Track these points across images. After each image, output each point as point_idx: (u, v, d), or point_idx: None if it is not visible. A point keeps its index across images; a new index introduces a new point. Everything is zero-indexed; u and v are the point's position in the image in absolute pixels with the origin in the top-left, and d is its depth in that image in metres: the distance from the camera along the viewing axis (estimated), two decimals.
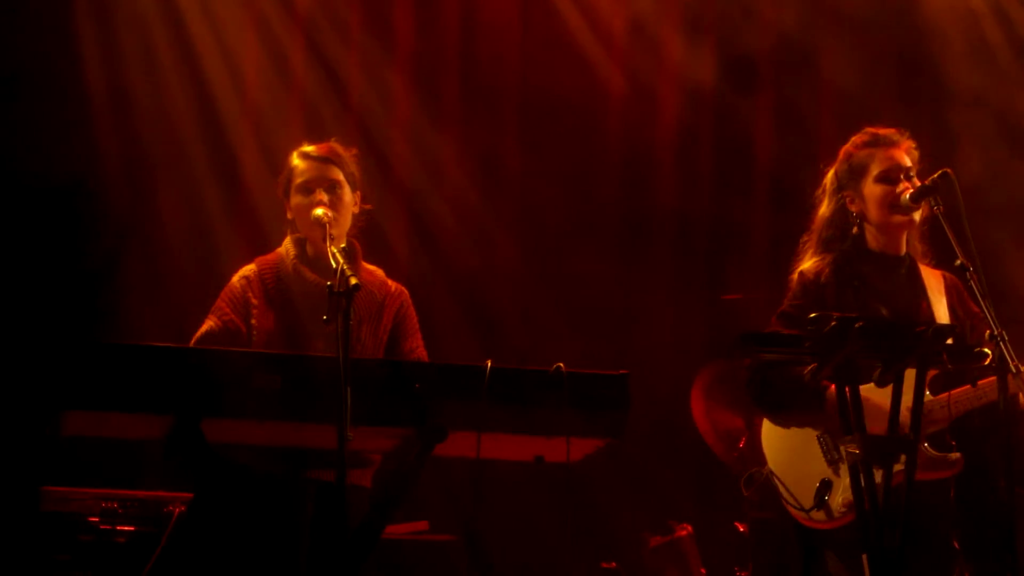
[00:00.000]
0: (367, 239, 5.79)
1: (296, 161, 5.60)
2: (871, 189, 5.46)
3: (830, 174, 5.61)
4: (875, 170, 5.46)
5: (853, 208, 5.51)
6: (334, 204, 5.43)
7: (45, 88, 7.71)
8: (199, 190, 8.04)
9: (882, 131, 5.54)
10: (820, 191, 5.63)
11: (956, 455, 5.17)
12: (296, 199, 5.53)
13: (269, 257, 5.61)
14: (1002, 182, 7.88)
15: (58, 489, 5.98)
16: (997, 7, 8.67)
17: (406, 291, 5.70)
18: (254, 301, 5.45)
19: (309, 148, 5.63)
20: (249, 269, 5.56)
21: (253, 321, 5.41)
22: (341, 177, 5.54)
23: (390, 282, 5.67)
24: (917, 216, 5.43)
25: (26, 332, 6.80)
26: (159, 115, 8.05)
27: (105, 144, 7.91)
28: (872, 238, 5.51)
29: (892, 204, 5.40)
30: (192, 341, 5.35)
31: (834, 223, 5.55)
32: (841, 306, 5.18)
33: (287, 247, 5.59)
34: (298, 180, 5.54)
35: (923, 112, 8.31)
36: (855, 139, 5.57)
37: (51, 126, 7.65)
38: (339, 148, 5.64)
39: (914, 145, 5.53)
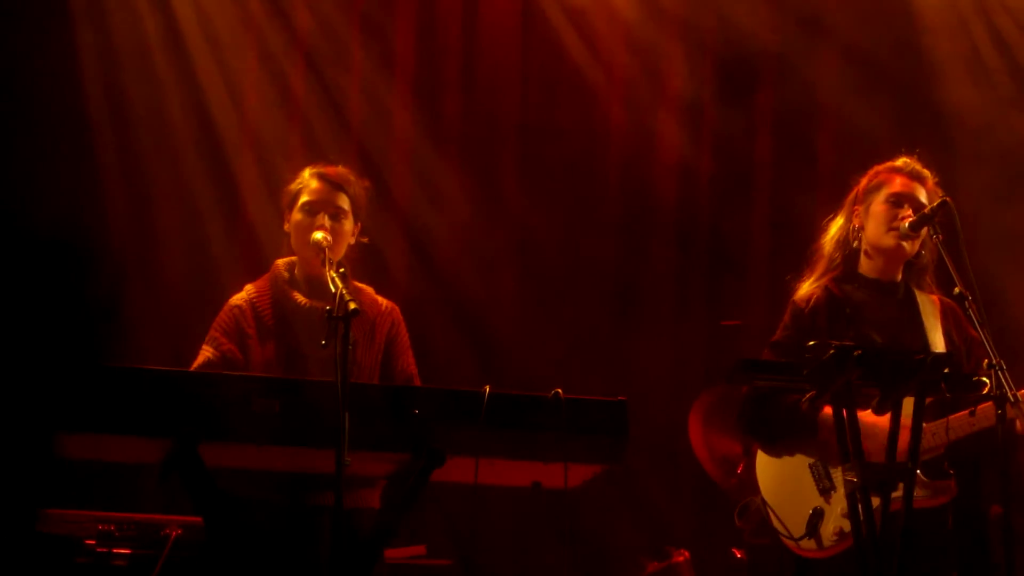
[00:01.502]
0: (365, 261, 5.78)
1: (308, 178, 5.57)
2: (877, 207, 5.50)
3: (854, 190, 5.64)
4: (888, 190, 5.49)
5: (856, 222, 5.54)
6: (334, 231, 5.40)
7: (45, 110, 7.71)
8: (198, 211, 8.03)
9: (916, 164, 5.57)
10: (840, 205, 5.66)
11: (950, 482, 5.17)
12: (298, 216, 5.50)
13: (260, 282, 5.58)
14: (1001, 208, 7.89)
15: (55, 511, 5.97)
16: (994, 31, 8.68)
17: (396, 308, 5.66)
18: (249, 331, 5.42)
19: (324, 169, 5.60)
20: (240, 298, 5.52)
21: (250, 353, 5.39)
22: (347, 206, 5.52)
23: (380, 299, 5.63)
24: (909, 247, 5.45)
25: (26, 354, 6.80)
26: (159, 136, 8.04)
27: (105, 167, 7.91)
28: (867, 263, 5.53)
29: (890, 226, 5.43)
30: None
31: (840, 237, 5.59)
32: (832, 334, 5.19)
33: (279, 271, 5.57)
34: (305, 198, 5.51)
35: (922, 137, 8.30)
36: (888, 162, 5.60)
37: (51, 150, 7.65)
38: (352, 177, 5.61)
39: (940, 192, 5.53)
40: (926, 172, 5.57)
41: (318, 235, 5.29)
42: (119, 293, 7.73)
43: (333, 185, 5.53)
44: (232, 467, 4.68)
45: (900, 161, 5.60)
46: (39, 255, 7.53)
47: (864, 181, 5.62)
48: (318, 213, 5.44)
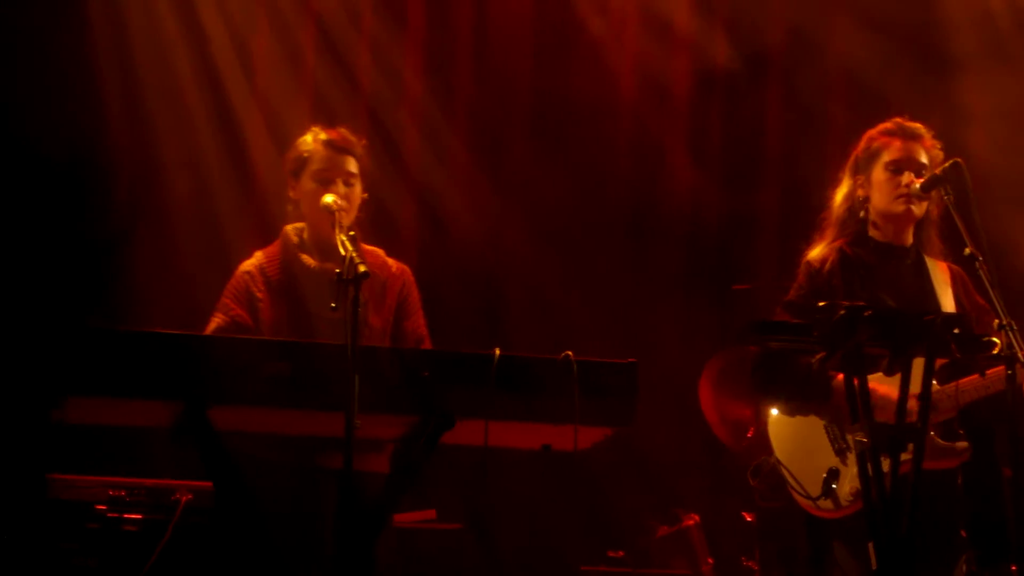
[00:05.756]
0: (376, 225, 5.77)
1: (314, 146, 5.53)
2: (878, 175, 5.48)
3: (852, 155, 5.61)
4: (886, 157, 5.47)
5: (861, 193, 5.53)
6: (348, 197, 5.41)
7: (53, 64, 7.70)
8: (207, 172, 8.03)
9: (908, 123, 5.53)
10: (842, 171, 5.64)
11: (964, 444, 5.17)
12: (310, 186, 5.47)
13: (270, 248, 5.57)
14: (1014, 166, 7.85)
15: (65, 477, 5.97)
16: None
17: (407, 269, 5.66)
18: (259, 295, 5.42)
19: (328, 135, 5.56)
20: (250, 263, 5.51)
21: (260, 315, 5.39)
22: (356, 169, 5.52)
23: (391, 261, 5.62)
24: (917, 209, 5.43)
25: (32, 317, 6.80)
26: (168, 94, 8.04)
27: (113, 123, 7.89)
28: (877, 228, 5.51)
29: (896, 194, 5.41)
30: None
31: (847, 206, 5.57)
32: (847, 295, 5.19)
33: (288, 236, 5.56)
34: (316, 167, 5.48)
35: (935, 100, 8.26)
36: (881, 125, 5.58)
37: (59, 104, 7.64)
38: (353, 138, 5.59)
39: (939, 145, 5.51)
40: (920, 128, 5.53)
41: (328, 199, 5.26)
42: (127, 256, 7.73)
43: (342, 151, 5.51)
44: (243, 431, 4.69)
45: (892, 123, 5.56)
46: (45, 214, 7.54)
47: (861, 147, 5.59)
48: (334, 181, 5.43)
